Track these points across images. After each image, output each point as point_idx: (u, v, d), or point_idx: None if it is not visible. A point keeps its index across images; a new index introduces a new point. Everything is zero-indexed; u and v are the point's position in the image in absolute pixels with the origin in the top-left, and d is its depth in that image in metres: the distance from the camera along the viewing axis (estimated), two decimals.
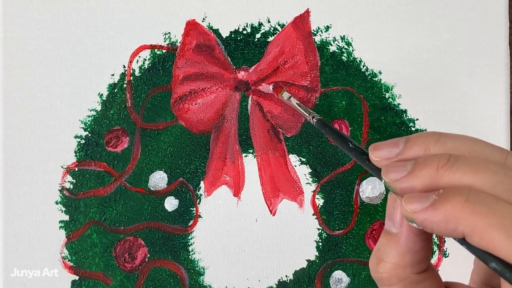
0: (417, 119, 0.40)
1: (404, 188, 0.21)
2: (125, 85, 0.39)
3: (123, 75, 0.39)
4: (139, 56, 0.39)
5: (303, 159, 0.40)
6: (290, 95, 0.37)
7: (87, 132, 0.39)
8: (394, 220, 0.23)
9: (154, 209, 0.39)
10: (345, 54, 0.39)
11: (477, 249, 0.20)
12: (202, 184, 0.39)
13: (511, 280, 0.19)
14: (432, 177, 0.21)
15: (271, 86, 0.38)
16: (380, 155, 0.23)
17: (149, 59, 0.39)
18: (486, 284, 0.25)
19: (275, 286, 0.39)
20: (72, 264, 0.39)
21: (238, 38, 0.39)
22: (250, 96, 0.39)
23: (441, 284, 0.24)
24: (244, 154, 0.40)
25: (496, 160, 0.21)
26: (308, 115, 0.35)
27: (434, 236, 0.36)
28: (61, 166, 0.39)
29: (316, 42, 0.39)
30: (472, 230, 0.19)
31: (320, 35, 0.39)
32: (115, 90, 0.39)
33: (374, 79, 0.39)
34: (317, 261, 0.39)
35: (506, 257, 0.18)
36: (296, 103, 0.36)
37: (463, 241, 0.20)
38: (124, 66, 0.39)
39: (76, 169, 0.39)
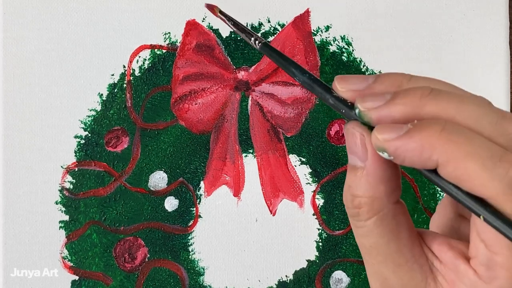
0: None
1: (382, 117, 0.20)
2: (125, 85, 0.39)
3: (123, 75, 0.39)
4: (139, 56, 0.39)
5: (303, 159, 0.40)
6: (224, 13, 0.33)
7: (87, 132, 0.39)
8: (357, 154, 0.22)
9: (154, 209, 0.39)
10: (345, 54, 0.39)
11: (447, 183, 0.19)
12: (202, 184, 0.39)
13: (478, 213, 0.18)
14: (415, 105, 0.20)
15: (205, 4, 0.35)
16: (348, 87, 0.22)
17: (149, 59, 0.39)
18: (450, 232, 0.24)
19: (275, 286, 0.39)
20: (72, 264, 0.39)
21: (238, 38, 0.39)
22: (250, 96, 0.39)
23: (411, 223, 0.22)
24: (244, 154, 0.40)
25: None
26: (250, 39, 0.29)
27: None
28: (61, 166, 0.39)
29: (316, 42, 0.39)
30: (448, 158, 0.18)
31: (320, 35, 0.39)
32: (115, 90, 0.39)
33: None
34: (317, 261, 0.39)
35: (480, 187, 0.18)
36: (234, 24, 0.32)
37: (433, 173, 0.19)
38: (124, 66, 0.39)
39: (76, 169, 0.39)
